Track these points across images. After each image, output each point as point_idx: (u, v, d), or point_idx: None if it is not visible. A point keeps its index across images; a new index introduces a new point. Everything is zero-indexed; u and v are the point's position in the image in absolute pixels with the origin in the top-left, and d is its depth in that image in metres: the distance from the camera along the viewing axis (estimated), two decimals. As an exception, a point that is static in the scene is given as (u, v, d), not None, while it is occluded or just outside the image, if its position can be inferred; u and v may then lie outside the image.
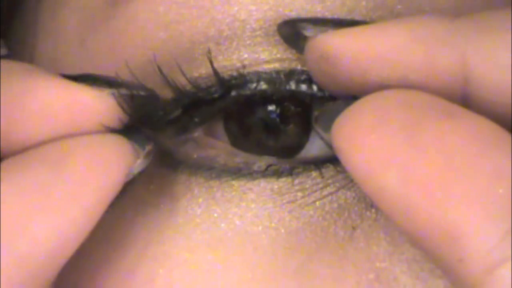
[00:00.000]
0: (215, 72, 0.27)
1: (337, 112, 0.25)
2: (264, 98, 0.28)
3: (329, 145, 0.25)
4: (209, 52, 0.27)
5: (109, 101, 0.26)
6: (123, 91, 0.26)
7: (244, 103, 0.28)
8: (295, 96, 0.27)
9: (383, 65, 0.25)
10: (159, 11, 0.28)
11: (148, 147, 0.27)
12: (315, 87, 0.27)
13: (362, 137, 0.23)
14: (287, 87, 0.27)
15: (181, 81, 0.27)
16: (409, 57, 0.24)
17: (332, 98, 0.27)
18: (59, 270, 0.25)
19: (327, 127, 0.25)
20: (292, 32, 0.26)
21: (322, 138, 0.26)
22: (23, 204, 0.24)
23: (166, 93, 0.28)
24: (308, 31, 0.26)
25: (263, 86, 0.27)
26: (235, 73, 0.27)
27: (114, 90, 0.26)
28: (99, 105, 0.26)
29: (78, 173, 0.24)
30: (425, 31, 0.24)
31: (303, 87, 0.27)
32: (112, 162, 0.25)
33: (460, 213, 0.22)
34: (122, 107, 0.26)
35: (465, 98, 0.24)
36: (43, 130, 0.25)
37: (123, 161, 0.25)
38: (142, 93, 0.26)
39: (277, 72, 0.27)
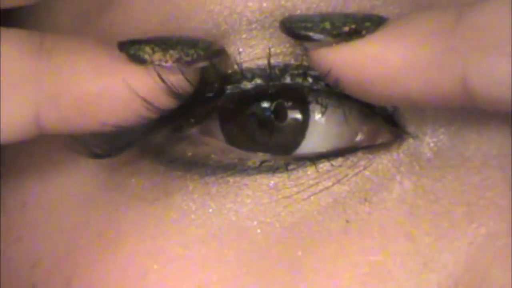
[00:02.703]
0: (214, 67, 0.27)
1: None
2: (260, 94, 0.28)
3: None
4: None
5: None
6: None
7: (240, 100, 0.28)
8: (291, 90, 0.28)
9: (384, 85, 0.25)
10: (155, 3, 0.28)
11: None
12: (310, 80, 0.27)
13: None
14: (282, 81, 0.27)
15: None
16: (408, 81, 0.25)
17: (328, 90, 0.27)
18: None
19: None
20: (293, 35, 0.27)
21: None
22: None
23: None
24: (309, 42, 0.26)
25: (258, 81, 0.28)
26: (230, 70, 0.28)
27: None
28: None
29: None
30: (423, 53, 0.25)
31: (299, 80, 0.27)
32: None
33: None
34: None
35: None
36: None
37: None
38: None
39: (272, 67, 0.27)
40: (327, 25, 0.26)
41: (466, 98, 0.25)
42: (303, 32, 0.26)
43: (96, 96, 0.26)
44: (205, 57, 0.27)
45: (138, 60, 0.26)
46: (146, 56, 0.26)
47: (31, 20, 0.31)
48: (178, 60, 0.26)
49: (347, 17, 0.26)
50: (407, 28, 0.25)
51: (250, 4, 0.27)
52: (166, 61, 0.26)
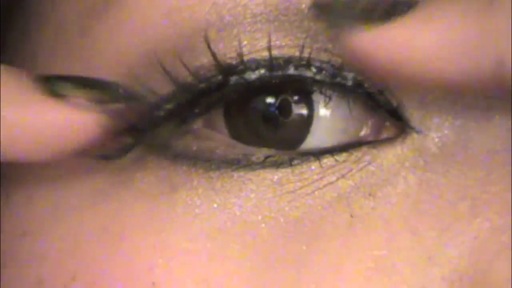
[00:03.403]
0: (215, 58, 0.27)
1: None
2: (264, 85, 0.28)
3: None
4: (207, 38, 0.28)
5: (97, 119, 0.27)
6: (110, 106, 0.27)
7: (244, 93, 0.28)
8: (294, 82, 0.28)
9: (417, 68, 0.25)
10: None
11: None
12: (314, 70, 0.27)
13: None
14: (286, 72, 0.28)
15: (183, 71, 0.28)
16: (441, 64, 0.25)
17: (331, 81, 0.27)
18: None
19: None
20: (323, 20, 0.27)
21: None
22: None
23: (169, 85, 0.28)
24: (340, 26, 0.26)
25: (262, 72, 0.28)
26: (234, 61, 0.28)
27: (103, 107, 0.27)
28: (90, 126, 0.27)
29: None
30: (456, 35, 0.24)
31: (302, 70, 0.27)
32: None
33: None
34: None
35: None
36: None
37: None
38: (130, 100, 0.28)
39: (276, 58, 0.27)
40: (358, 9, 0.26)
41: (501, 81, 0.24)
42: (333, 17, 0.26)
43: (13, 129, 0.27)
44: (122, 99, 0.27)
45: (56, 95, 0.27)
46: (65, 92, 0.27)
47: (37, 16, 0.31)
48: (94, 100, 0.27)
49: (379, 1, 0.26)
50: (439, 10, 0.25)
51: None
52: (82, 99, 0.27)
